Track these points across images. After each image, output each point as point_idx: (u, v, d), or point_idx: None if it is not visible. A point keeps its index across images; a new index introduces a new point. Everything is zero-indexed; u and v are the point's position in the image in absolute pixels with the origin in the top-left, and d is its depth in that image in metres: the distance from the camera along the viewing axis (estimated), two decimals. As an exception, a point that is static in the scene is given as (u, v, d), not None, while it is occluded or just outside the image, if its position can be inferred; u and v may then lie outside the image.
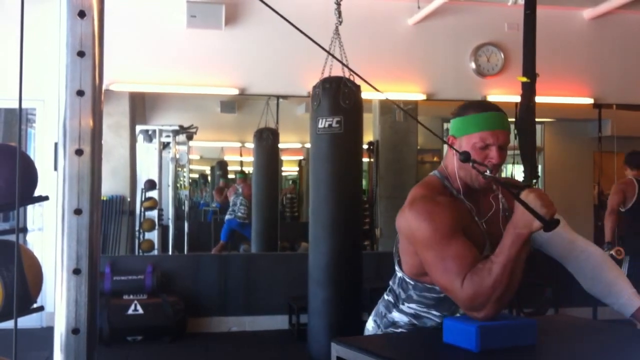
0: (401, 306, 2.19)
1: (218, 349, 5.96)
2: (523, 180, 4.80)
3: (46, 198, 2.27)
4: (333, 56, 1.68)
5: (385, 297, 2.28)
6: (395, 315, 2.20)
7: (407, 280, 2.15)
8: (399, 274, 2.19)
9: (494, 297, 1.84)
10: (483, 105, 2.10)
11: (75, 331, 1.15)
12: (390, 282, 2.27)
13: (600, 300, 2.22)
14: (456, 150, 1.94)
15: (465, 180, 2.06)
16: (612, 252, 5.42)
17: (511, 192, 1.85)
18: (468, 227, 2.00)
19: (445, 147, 7.99)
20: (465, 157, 1.81)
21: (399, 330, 2.19)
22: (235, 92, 6.75)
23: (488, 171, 1.93)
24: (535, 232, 1.81)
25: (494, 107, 2.08)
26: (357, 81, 5.05)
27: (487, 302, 1.84)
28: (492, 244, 1.98)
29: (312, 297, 5.13)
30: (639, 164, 5.95)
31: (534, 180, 4.99)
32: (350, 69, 1.71)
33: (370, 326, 2.31)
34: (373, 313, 2.33)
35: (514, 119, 5.18)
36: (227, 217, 7.77)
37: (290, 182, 8.63)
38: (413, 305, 2.16)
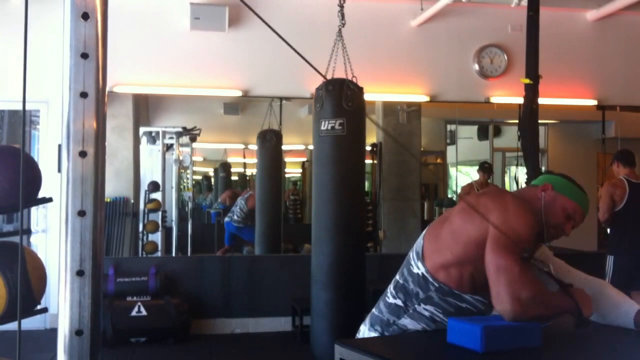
0: (416, 306, 2.12)
1: (221, 350, 5.96)
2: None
3: (50, 200, 2.27)
4: (318, 71, 1.67)
5: (390, 300, 2.19)
6: (407, 322, 2.13)
7: (430, 279, 2.09)
8: (419, 270, 2.12)
9: (530, 317, 1.94)
10: (585, 192, 2.25)
11: (78, 333, 1.15)
12: (399, 279, 2.19)
13: (604, 320, 2.25)
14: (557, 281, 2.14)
15: (543, 225, 2.15)
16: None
17: (561, 283, 2.11)
18: None
19: (449, 149, 7.95)
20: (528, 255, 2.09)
21: None
22: (239, 94, 6.76)
23: (545, 268, 2.18)
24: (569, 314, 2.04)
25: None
26: (361, 83, 5.05)
27: (529, 302, 1.92)
28: None
29: (315, 298, 5.12)
30: (631, 162, 5.68)
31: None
32: (316, 71, 1.70)
33: (372, 335, 2.21)
34: (369, 322, 2.24)
35: (517, 121, 5.17)
36: (225, 219, 7.78)
37: (290, 183, 8.62)
38: (430, 308, 2.10)
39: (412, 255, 2.19)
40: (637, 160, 5.80)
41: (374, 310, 2.26)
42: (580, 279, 2.29)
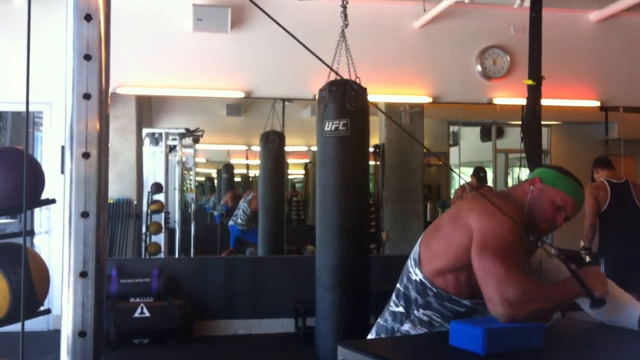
0: (416, 312, 2.14)
1: (224, 352, 5.96)
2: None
3: (53, 201, 2.27)
4: (327, 64, 1.67)
5: (393, 308, 2.22)
6: (408, 327, 2.16)
7: (428, 285, 2.11)
8: (417, 276, 2.15)
9: (533, 305, 1.90)
10: (576, 178, 2.23)
11: (82, 334, 1.15)
12: (400, 287, 2.22)
13: (607, 321, 2.23)
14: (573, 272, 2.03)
15: (533, 219, 2.13)
16: (588, 257, 5.37)
17: (568, 266, 2.01)
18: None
19: (452, 149, 7.94)
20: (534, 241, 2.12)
21: None
22: (242, 95, 6.76)
23: (553, 251, 2.07)
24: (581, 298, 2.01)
25: (582, 185, 2.23)
26: (364, 83, 5.05)
27: (526, 305, 1.89)
28: None
29: (318, 300, 5.12)
30: (608, 164, 5.91)
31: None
32: (338, 73, 1.70)
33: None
34: (377, 330, 2.27)
35: (520, 122, 5.16)
36: (230, 222, 7.79)
37: (290, 186, 8.60)
38: (429, 313, 2.12)
39: (410, 262, 2.21)
40: (637, 163, 5.91)
41: (379, 319, 2.29)
42: None
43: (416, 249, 2.19)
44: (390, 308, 2.24)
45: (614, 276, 2.26)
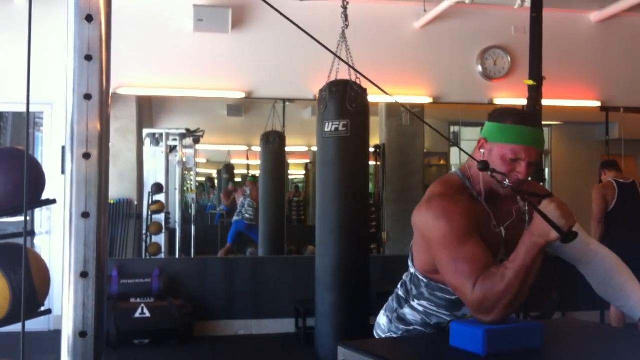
0: (412, 302, 2.19)
1: (225, 352, 5.96)
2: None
3: (54, 201, 2.27)
4: (340, 58, 1.68)
5: (398, 291, 2.28)
6: (407, 312, 2.20)
7: (420, 277, 2.15)
8: (412, 269, 2.20)
9: (503, 302, 1.84)
10: (523, 118, 2.03)
11: (82, 334, 1.15)
12: (404, 276, 2.28)
13: (611, 303, 2.22)
14: (473, 158, 1.96)
15: (489, 184, 2.03)
16: None
17: (529, 201, 1.87)
18: (483, 232, 1.98)
19: (456, 149, 7.95)
20: (483, 166, 1.82)
21: (411, 327, 2.19)
22: (242, 95, 6.77)
23: (507, 181, 1.93)
24: (552, 242, 1.82)
25: (532, 122, 2.02)
26: (364, 84, 5.05)
27: (496, 307, 1.84)
28: (507, 251, 1.96)
29: (319, 300, 5.12)
30: (615, 165, 6.13)
31: (540, 184, 4.97)
32: (357, 71, 1.71)
33: (382, 321, 2.30)
34: (385, 307, 2.33)
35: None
36: (234, 218, 7.78)
37: (293, 186, 8.61)
38: (424, 303, 2.16)
39: (409, 255, 2.24)
40: (637, 164, 6.25)
41: (390, 298, 2.34)
42: (599, 254, 2.21)
43: (411, 242, 2.21)
44: (396, 290, 2.30)
45: None
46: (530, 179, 2.14)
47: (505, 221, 2.04)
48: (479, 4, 6.74)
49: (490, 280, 1.85)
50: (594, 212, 5.90)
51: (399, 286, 2.29)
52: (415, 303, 2.18)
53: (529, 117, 2.08)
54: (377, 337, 2.30)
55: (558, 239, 1.77)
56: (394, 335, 2.22)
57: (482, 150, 2.04)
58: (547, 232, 1.78)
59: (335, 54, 1.75)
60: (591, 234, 5.76)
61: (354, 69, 1.83)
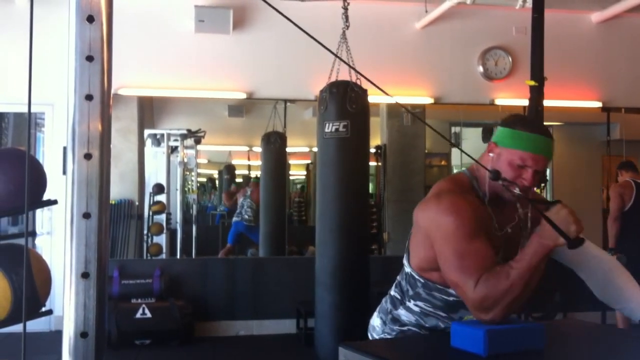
0: (407, 303, 2.18)
1: (225, 353, 5.96)
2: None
3: (55, 202, 2.27)
4: (340, 59, 1.68)
5: (392, 292, 2.28)
6: (402, 313, 2.19)
7: (416, 277, 2.14)
8: (407, 269, 2.18)
9: (504, 301, 1.84)
10: (534, 126, 2.04)
11: (83, 335, 1.15)
12: (398, 277, 2.27)
13: (611, 306, 2.22)
14: (486, 168, 1.98)
15: (494, 188, 2.04)
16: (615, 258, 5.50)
17: (537, 208, 1.89)
18: (485, 233, 1.98)
19: (454, 150, 7.94)
20: (495, 176, 1.88)
21: (405, 328, 2.18)
22: (243, 96, 6.77)
23: (517, 189, 1.95)
24: (559, 246, 1.84)
25: (543, 131, 2.03)
26: (364, 85, 5.05)
27: (496, 306, 1.84)
28: (505, 255, 1.97)
29: (319, 301, 5.12)
30: (632, 166, 6.28)
31: (542, 185, 4.98)
32: (358, 72, 1.71)
33: (376, 323, 2.31)
34: (378, 309, 2.34)
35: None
36: (234, 219, 7.78)
37: (296, 187, 8.61)
38: (420, 304, 2.15)
39: (405, 255, 2.23)
40: (638, 164, 6.37)
41: (383, 300, 2.34)
42: (596, 257, 2.23)
43: (407, 242, 2.21)
44: (390, 292, 2.30)
45: (630, 272, 2.24)
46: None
47: (505, 225, 2.05)
48: (480, 5, 6.73)
49: (494, 279, 1.85)
50: (611, 210, 6.09)
51: (392, 287, 2.28)
52: (411, 304, 2.17)
53: (540, 126, 2.08)
54: (371, 339, 2.30)
55: (565, 244, 1.80)
56: (389, 337, 2.22)
57: (491, 154, 2.05)
58: (556, 236, 1.80)
59: (335, 55, 1.76)
60: (609, 234, 6.03)
61: (354, 69, 1.84)
